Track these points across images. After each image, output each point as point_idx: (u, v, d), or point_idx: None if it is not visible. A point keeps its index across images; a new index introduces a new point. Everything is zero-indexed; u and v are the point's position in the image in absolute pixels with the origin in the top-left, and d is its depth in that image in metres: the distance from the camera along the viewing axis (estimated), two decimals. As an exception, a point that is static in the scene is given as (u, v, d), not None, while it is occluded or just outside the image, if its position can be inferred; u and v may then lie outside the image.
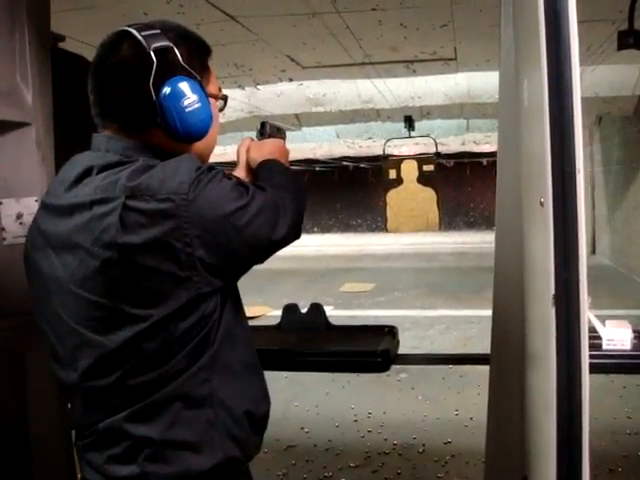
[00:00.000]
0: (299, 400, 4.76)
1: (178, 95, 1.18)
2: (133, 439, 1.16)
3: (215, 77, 1.32)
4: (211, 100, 1.27)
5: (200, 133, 1.23)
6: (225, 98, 1.35)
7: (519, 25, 1.35)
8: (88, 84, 1.23)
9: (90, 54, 1.29)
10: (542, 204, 1.10)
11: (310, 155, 12.86)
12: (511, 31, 1.43)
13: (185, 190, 1.11)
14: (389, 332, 3.31)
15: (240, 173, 1.45)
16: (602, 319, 2.49)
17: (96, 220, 1.13)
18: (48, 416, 1.81)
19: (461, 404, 4.48)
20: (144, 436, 1.16)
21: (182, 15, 3.31)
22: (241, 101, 6.72)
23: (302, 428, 4.23)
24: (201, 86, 1.23)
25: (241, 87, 5.93)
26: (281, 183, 1.30)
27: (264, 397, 1.31)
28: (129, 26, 1.21)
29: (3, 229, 1.79)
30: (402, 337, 3.42)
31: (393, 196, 8.52)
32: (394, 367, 3.33)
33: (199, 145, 1.26)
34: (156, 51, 1.17)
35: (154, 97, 1.17)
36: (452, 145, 12.34)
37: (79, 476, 1.30)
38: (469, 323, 6.72)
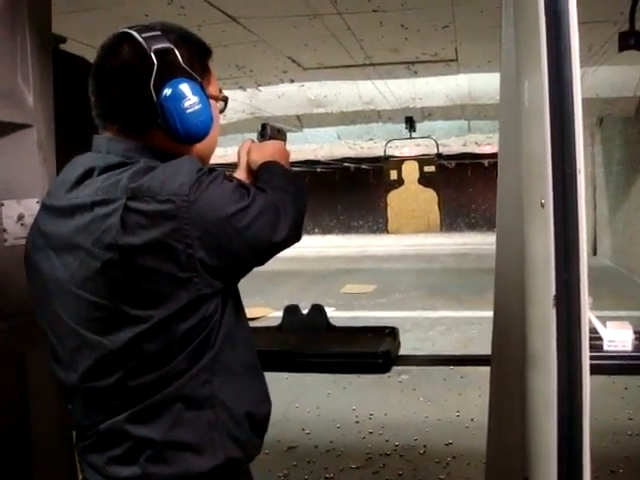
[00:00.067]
0: (300, 401, 4.75)
1: (179, 96, 1.18)
2: (134, 440, 1.16)
3: (215, 78, 1.32)
4: (212, 101, 1.27)
5: (201, 134, 1.24)
6: (226, 99, 1.35)
7: (520, 26, 1.35)
8: (89, 86, 1.24)
9: (91, 55, 1.29)
10: (543, 205, 1.10)
11: (311, 156, 12.85)
12: (512, 32, 1.43)
13: (186, 191, 1.11)
14: (390, 333, 3.31)
15: (241, 175, 1.45)
16: (603, 320, 2.49)
17: (97, 221, 1.13)
18: (49, 416, 1.81)
19: (462, 405, 4.48)
20: (145, 437, 1.16)
21: (183, 16, 3.31)
22: (242, 102, 6.73)
23: (303, 429, 4.23)
24: (202, 87, 1.23)
25: (242, 88, 5.93)
26: (282, 185, 1.30)
27: (265, 398, 1.31)
28: (130, 28, 1.21)
29: (4, 230, 1.79)
30: (403, 338, 3.43)
31: (394, 197, 8.51)
32: (395, 368, 3.34)
33: (200, 146, 1.27)
34: (157, 53, 1.17)
35: (155, 98, 1.17)
36: (453, 146, 12.33)
37: (80, 477, 1.30)
38: (470, 324, 6.71)
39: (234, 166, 1.50)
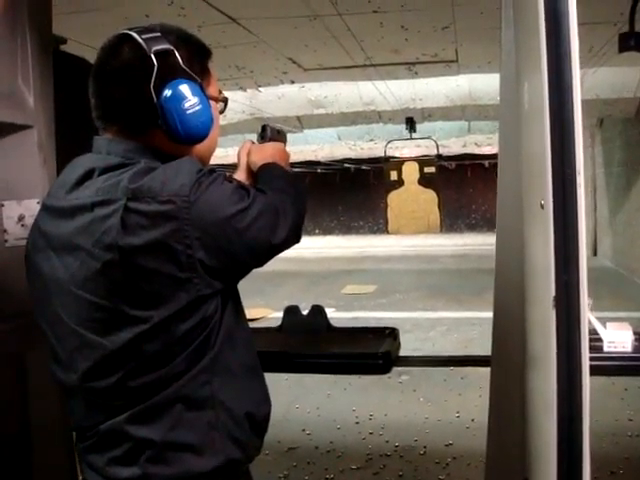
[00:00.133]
0: (300, 402, 4.75)
1: (179, 97, 1.18)
2: (134, 441, 1.17)
3: (215, 79, 1.32)
4: (212, 102, 1.28)
5: (201, 135, 1.24)
6: (225, 100, 1.35)
7: (520, 27, 1.35)
8: (89, 87, 1.24)
9: (92, 56, 1.29)
10: (542, 206, 1.10)
11: (312, 157, 12.86)
12: (512, 33, 1.43)
13: (186, 192, 1.11)
14: (390, 334, 3.31)
15: (241, 176, 1.45)
16: (603, 321, 2.49)
17: (97, 222, 1.13)
18: (49, 417, 1.81)
19: (462, 406, 4.48)
20: (145, 438, 1.16)
21: (183, 17, 3.31)
22: (242, 103, 6.73)
23: (303, 430, 4.23)
24: (201, 88, 1.23)
25: (242, 89, 5.93)
26: (281, 186, 1.30)
27: (265, 399, 1.31)
28: (130, 29, 1.22)
29: (5, 231, 1.79)
30: (403, 339, 3.42)
31: (394, 198, 8.52)
32: (395, 369, 3.33)
33: (200, 147, 1.27)
34: (157, 54, 1.18)
35: (155, 100, 1.18)
36: (453, 147, 12.33)
37: (80, 478, 1.30)
38: (470, 325, 6.71)
39: (234, 167, 1.50)
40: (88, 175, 1.19)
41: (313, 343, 3.35)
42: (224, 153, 8.76)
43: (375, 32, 4.04)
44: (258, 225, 1.17)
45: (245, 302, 1.31)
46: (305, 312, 3.55)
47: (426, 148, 10.00)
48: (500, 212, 1.66)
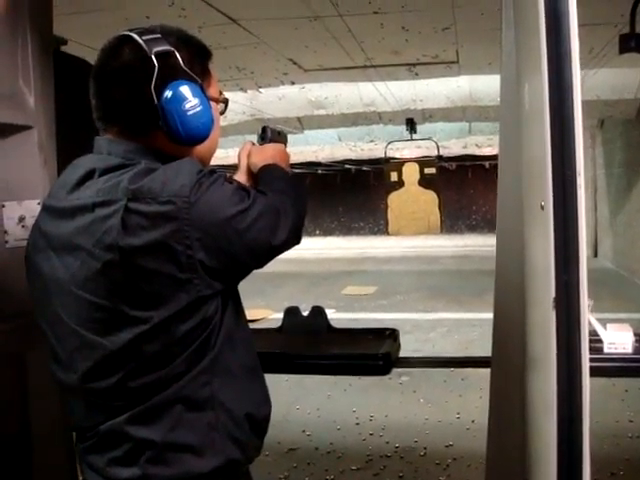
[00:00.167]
0: (300, 403, 4.75)
1: (179, 99, 1.19)
2: (134, 441, 1.17)
3: (216, 80, 1.32)
4: (212, 103, 1.28)
5: (201, 136, 1.24)
6: (226, 101, 1.35)
7: (520, 28, 1.35)
8: (90, 88, 1.24)
9: (92, 57, 1.29)
10: (543, 207, 1.10)
11: (312, 158, 12.87)
12: (512, 34, 1.43)
13: (186, 193, 1.11)
14: (390, 335, 3.31)
15: (241, 177, 1.45)
16: (604, 322, 2.49)
17: (98, 222, 1.13)
18: (49, 417, 1.81)
19: (463, 407, 4.48)
20: (145, 438, 1.16)
21: (184, 18, 3.32)
22: (243, 104, 6.73)
23: (303, 431, 4.23)
24: (202, 89, 1.23)
25: (243, 90, 5.94)
26: (282, 188, 1.31)
27: (265, 400, 1.31)
28: (130, 30, 1.22)
29: (5, 232, 1.79)
30: (403, 340, 3.42)
31: (394, 199, 8.52)
32: (396, 370, 3.33)
33: (200, 148, 1.27)
34: (157, 55, 1.18)
35: (156, 101, 1.18)
36: (454, 148, 12.34)
37: (80, 478, 1.30)
38: (471, 326, 6.71)
39: (235, 167, 1.50)
40: (89, 176, 1.19)
41: (313, 344, 3.35)
42: (225, 154, 8.75)
43: (376, 33, 4.05)
44: (258, 226, 1.17)
45: (245, 303, 1.31)
46: (305, 313, 3.55)
47: (426, 149, 10.00)
48: (500, 213, 1.66)
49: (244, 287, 1.28)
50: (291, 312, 3.55)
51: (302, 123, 7.84)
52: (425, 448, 3.87)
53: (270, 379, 1.36)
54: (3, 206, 1.79)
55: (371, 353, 3.08)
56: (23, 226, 1.78)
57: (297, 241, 1.28)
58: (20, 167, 1.80)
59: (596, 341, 2.37)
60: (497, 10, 1.73)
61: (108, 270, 1.12)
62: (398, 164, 8.61)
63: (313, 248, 14.58)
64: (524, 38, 1.28)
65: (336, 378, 4.80)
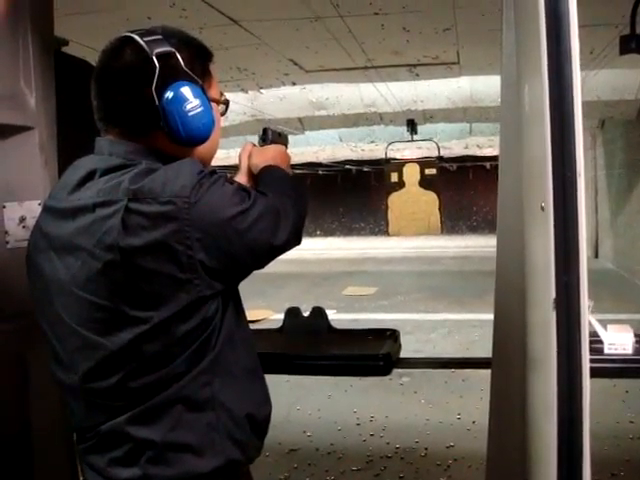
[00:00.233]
0: (301, 404, 4.75)
1: (180, 100, 1.19)
2: (135, 442, 1.17)
3: (217, 81, 1.33)
4: (213, 104, 1.28)
5: (202, 137, 1.24)
6: (227, 102, 1.36)
7: (520, 29, 1.35)
8: (91, 89, 1.24)
9: (93, 58, 1.29)
10: (543, 208, 1.10)
11: (313, 158, 12.88)
12: (513, 35, 1.43)
13: (187, 193, 1.12)
14: (391, 336, 3.30)
15: (242, 179, 1.45)
16: (604, 323, 2.49)
17: (99, 222, 1.13)
18: (50, 417, 1.81)
19: (463, 408, 4.48)
20: (146, 439, 1.16)
21: (185, 19, 3.32)
22: (244, 105, 6.74)
23: (304, 432, 4.23)
24: (203, 90, 1.24)
25: (244, 91, 5.94)
26: (282, 189, 1.31)
27: (265, 400, 1.32)
28: (131, 32, 1.22)
29: (6, 233, 1.79)
30: (404, 341, 3.42)
31: (395, 199, 8.53)
32: (396, 371, 3.33)
33: (201, 149, 1.27)
34: (158, 56, 1.18)
35: (157, 102, 1.18)
36: (455, 149, 12.35)
37: (81, 479, 1.30)
38: (472, 327, 6.71)
39: (236, 168, 1.50)
40: (90, 176, 1.20)
41: (314, 345, 3.35)
42: (225, 155, 8.77)
43: (376, 34, 4.05)
44: (259, 227, 1.17)
45: (246, 303, 1.31)
46: (306, 314, 3.55)
47: (427, 150, 10.01)
48: (501, 214, 1.66)
49: (245, 288, 1.28)
50: (292, 313, 3.55)
51: (303, 124, 7.84)
52: (426, 449, 3.87)
53: (271, 380, 1.36)
54: (4, 207, 1.79)
55: (372, 354, 3.08)
56: (24, 227, 1.78)
57: (297, 242, 1.28)
58: (21, 168, 1.80)
59: (596, 342, 2.37)
60: (498, 11, 1.73)
61: (109, 270, 1.12)
62: (399, 165, 8.62)
63: (314, 249, 14.59)
64: (524, 39, 1.28)
65: (337, 379, 4.80)
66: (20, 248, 1.58)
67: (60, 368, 1.23)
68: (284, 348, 3.23)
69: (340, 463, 3.75)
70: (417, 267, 12.14)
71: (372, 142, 10.25)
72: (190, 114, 1.20)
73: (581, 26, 1.06)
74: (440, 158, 8.88)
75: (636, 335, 2.45)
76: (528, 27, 1.18)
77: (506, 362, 1.59)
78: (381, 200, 10.67)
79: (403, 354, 3.33)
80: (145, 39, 1.20)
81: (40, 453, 1.82)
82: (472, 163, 16.41)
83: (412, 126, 7.94)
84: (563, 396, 1.07)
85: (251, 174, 1.46)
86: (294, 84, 5.78)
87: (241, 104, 6.64)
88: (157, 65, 1.17)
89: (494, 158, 13.43)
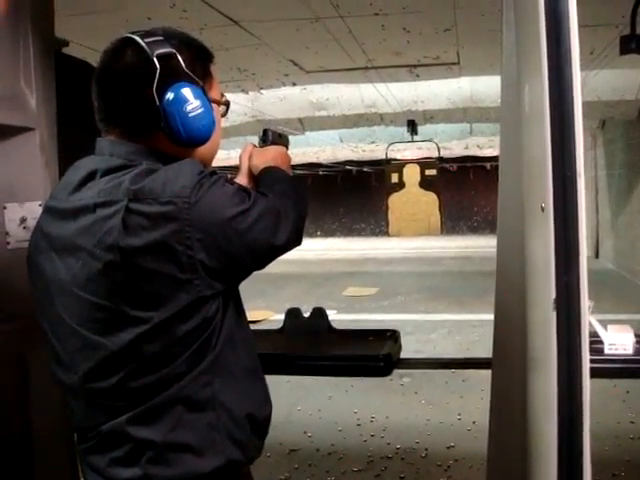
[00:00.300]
0: (302, 404, 4.75)
1: (181, 101, 1.19)
2: (135, 442, 1.17)
3: (217, 82, 1.33)
4: (214, 105, 1.28)
5: (203, 138, 1.24)
6: (227, 103, 1.36)
7: (520, 29, 1.35)
8: (92, 90, 1.25)
9: (94, 59, 1.29)
10: (543, 209, 1.10)
11: (313, 159, 12.88)
12: (513, 35, 1.43)
13: (187, 193, 1.12)
14: (391, 336, 3.31)
15: (242, 180, 1.46)
16: (605, 323, 2.49)
17: (99, 223, 1.14)
18: (50, 417, 1.81)
19: (464, 408, 4.48)
20: (146, 439, 1.16)
21: (185, 20, 3.32)
22: (244, 105, 6.74)
23: (305, 432, 4.23)
24: (204, 92, 1.24)
25: (244, 91, 5.95)
26: (283, 190, 1.31)
27: (265, 400, 1.32)
28: (132, 33, 1.22)
29: (7, 233, 1.79)
30: (405, 341, 3.43)
31: (395, 200, 8.53)
32: (397, 371, 3.33)
33: (202, 150, 1.27)
34: (159, 57, 1.18)
35: (157, 103, 1.18)
36: (455, 149, 12.34)
37: (81, 479, 1.30)
38: (472, 327, 6.71)
39: (236, 169, 1.51)
40: (91, 177, 1.20)
41: (314, 345, 3.36)
42: (226, 155, 8.77)
43: (376, 34, 4.05)
44: (259, 227, 1.18)
45: (247, 304, 1.31)
46: (307, 314, 3.55)
47: (427, 150, 10.01)
48: (501, 214, 1.66)
49: (245, 288, 1.28)
50: (292, 313, 3.55)
51: (303, 124, 7.84)
52: (426, 449, 3.87)
53: (271, 380, 1.37)
54: (5, 207, 1.79)
55: (372, 354, 3.08)
56: (24, 227, 1.78)
57: (298, 242, 1.28)
58: (21, 169, 1.80)
59: (597, 342, 2.38)
60: (498, 11, 1.73)
61: (109, 270, 1.12)
62: (399, 165, 8.62)
63: (314, 249, 14.59)
64: (525, 39, 1.28)
65: (337, 379, 4.80)
66: (21, 249, 1.58)
67: (60, 368, 1.23)
68: (285, 349, 3.24)
69: (341, 463, 3.75)
70: (417, 268, 12.14)
71: (372, 143, 10.26)
72: (191, 115, 1.20)
73: (581, 26, 1.07)
74: (440, 159, 8.88)
75: (636, 335, 2.45)
76: (528, 28, 1.18)
77: (506, 362, 1.59)
78: (381, 201, 10.65)
79: (403, 354, 3.34)
80: (146, 40, 1.20)
81: (40, 453, 1.82)
82: (472, 163, 16.41)
83: (412, 127, 7.94)
84: (563, 396, 1.07)
85: (251, 175, 1.46)
86: (294, 85, 5.78)
87: (241, 105, 6.64)
88: (158, 66, 1.18)
89: (494, 158, 13.44)
